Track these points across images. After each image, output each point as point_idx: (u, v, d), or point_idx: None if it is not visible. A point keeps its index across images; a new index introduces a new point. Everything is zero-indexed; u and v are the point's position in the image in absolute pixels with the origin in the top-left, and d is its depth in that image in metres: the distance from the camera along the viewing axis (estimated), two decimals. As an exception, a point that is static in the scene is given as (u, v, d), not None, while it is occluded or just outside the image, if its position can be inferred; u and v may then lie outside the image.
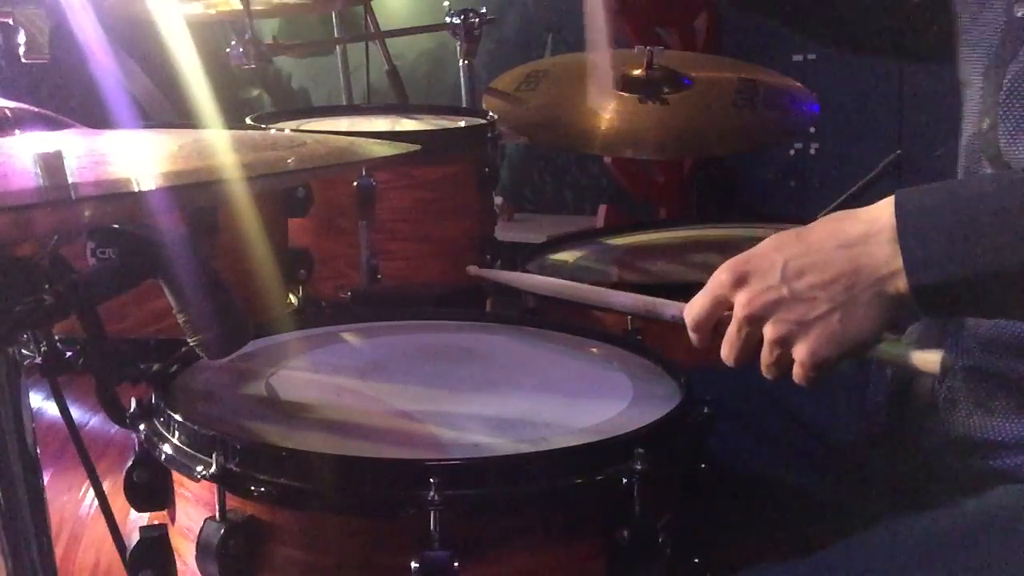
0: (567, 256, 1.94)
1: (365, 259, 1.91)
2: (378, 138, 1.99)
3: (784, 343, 1.06)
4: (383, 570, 1.02)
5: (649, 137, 2.14)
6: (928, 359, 1.07)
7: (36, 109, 1.02)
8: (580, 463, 1.04)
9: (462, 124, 2.18)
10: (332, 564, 1.04)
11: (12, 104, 1.01)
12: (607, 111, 2.14)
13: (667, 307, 1.19)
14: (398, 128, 2.19)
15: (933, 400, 1.21)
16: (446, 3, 2.60)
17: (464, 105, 2.52)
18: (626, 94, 2.16)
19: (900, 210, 1.03)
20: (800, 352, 1.06)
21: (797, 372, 1.07)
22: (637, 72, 2.18)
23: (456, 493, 0.98)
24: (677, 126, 2.13)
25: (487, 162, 2.00)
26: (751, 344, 1.09)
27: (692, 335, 1.13)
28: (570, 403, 1.22)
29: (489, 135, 2.03)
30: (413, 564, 0.97)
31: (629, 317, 1.63)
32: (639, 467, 1.03)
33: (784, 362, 1.08)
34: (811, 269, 1.05)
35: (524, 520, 1.03)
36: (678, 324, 1.16)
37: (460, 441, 1.10)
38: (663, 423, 1.11)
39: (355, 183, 1.87)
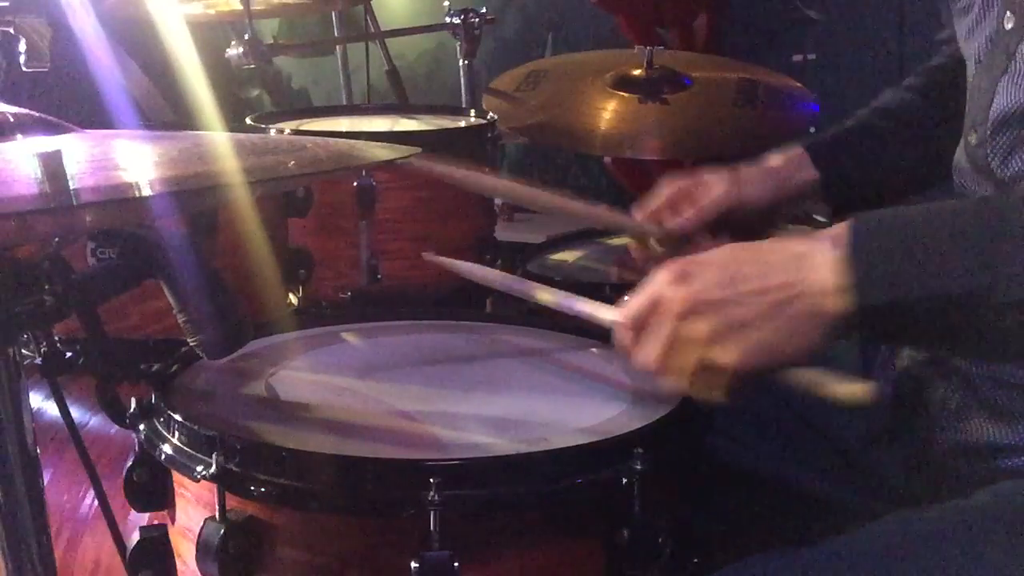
0: (567, 256, 1.94)
1: (365, 259, 1.91)
2: (378, 138, 2.01)
3: (714, 341, 1.03)
4: (383, 570, 1.03)
5: (649, 137, 2.14)
6: (855, 389, 1.03)
7: (37, 114, 1.02)
8: (580, 463, 1.04)
9: (462, 124, 2.18)
10: (332, 564, 1.04)
11: (13, 109, 1.01)
12: (607, 111, 2.14)
13: (605, 312, 1.17)
14: (398, 128, 2.19)
15: (945, 406, 1.20)
16: (446, 3, 2.60)
17: (464, 105, 2.52)
18: (626, 94, 2.16)
19: (856, 229, 1.01)
20: (728, 355, 1.02)
21: (717, 380, 1.04)
22: (637, 72, 2.18)
23: (456, 493, 0.98)
24: (677, 126, 2.13)
25: (487, 162, 2.00)
26: (676, 343, 1.05)
27: (621, 336, 1.10)
28: (570, 403, 1.22)
29: (489, 135, 2.03)
30: (413, 564, 0.97)
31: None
32: (639, 467, 1.03)
33: (706, 366, 1.04)
34: (754, 275, 1.03)
35: (524, 520, 1.03)
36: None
37: (460, 441, 1.10)
38: (663, 423, 1.11)
39: (355, 183, 1.87)
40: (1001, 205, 1.00)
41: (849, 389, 1.03)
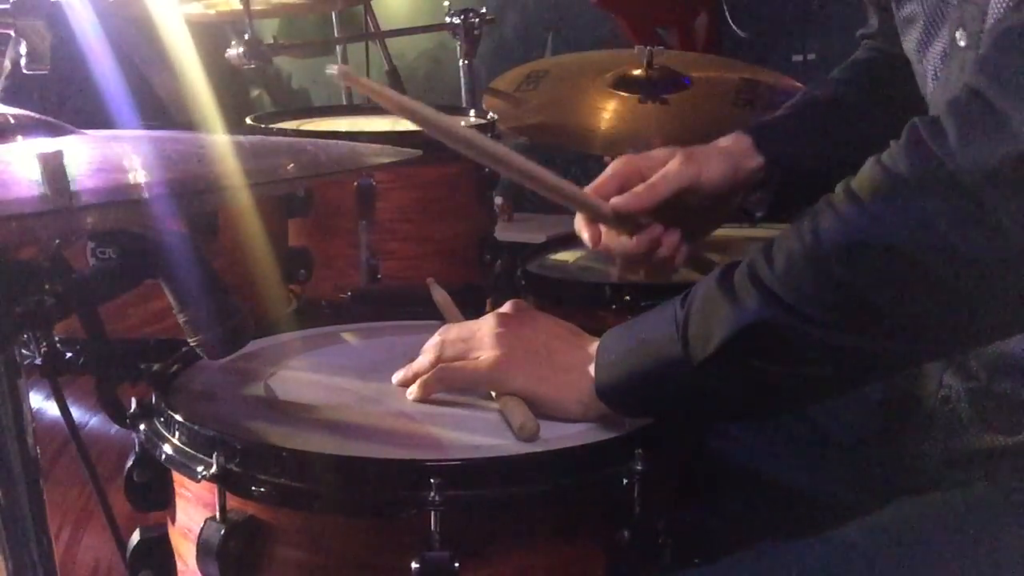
0: (567, 256, 1.94)
1: (365, 259, 1.91)
2: (378, 138, 2.01)
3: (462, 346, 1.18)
4: (383, 570, 1.02)
5: (649, 137, 2.14)
6: (519, 424, 1.10)
7: (38, 116, 1.02)
8: (580, 463, 1.04)
9: (462, 124, 2.18)
10: (332, 564, 1.04)
11: (14, 111, 1.01)
12: (607, 111, 2.14)
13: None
14: (398, 128, 2.19)
15: (933, 416, 1.20)
16: (446, 3, 2.60)
17: (464, 105, 2.52)
18: (626, 94, 2.16)
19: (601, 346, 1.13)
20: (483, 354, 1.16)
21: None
22: (637, 72, 2.18)
23: (456, 493, 0.98)
24: (677, 126, 2.14)
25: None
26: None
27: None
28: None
29: (489, 135, 2.03)
30: (413, 564, 0.97)
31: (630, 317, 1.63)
32: (639, 467, 1.03)
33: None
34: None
35: (524, 520, 1.03)
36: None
37: (460, 441, 1.10)
38: (663, 423, 1.11)
39: (355, 183, 1.87)
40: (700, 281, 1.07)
41: (516, 422, 1.10)
